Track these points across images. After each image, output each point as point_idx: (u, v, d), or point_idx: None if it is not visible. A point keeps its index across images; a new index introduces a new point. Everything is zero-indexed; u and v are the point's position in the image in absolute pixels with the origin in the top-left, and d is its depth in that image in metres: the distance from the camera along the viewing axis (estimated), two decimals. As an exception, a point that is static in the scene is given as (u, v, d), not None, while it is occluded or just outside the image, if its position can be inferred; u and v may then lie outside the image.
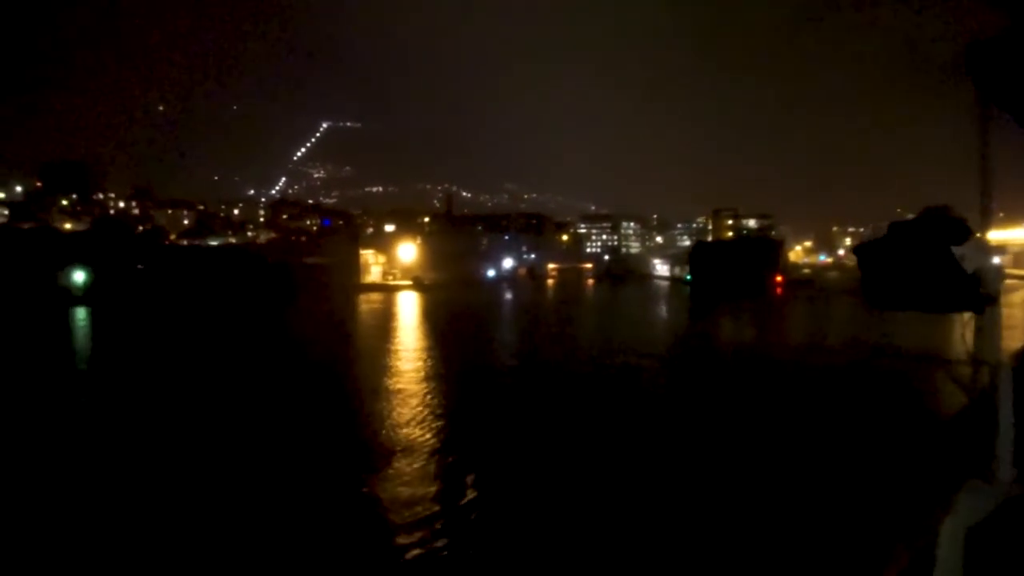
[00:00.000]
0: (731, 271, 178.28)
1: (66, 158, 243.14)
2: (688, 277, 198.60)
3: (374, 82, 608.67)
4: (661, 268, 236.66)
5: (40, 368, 77.05)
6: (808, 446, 37.44)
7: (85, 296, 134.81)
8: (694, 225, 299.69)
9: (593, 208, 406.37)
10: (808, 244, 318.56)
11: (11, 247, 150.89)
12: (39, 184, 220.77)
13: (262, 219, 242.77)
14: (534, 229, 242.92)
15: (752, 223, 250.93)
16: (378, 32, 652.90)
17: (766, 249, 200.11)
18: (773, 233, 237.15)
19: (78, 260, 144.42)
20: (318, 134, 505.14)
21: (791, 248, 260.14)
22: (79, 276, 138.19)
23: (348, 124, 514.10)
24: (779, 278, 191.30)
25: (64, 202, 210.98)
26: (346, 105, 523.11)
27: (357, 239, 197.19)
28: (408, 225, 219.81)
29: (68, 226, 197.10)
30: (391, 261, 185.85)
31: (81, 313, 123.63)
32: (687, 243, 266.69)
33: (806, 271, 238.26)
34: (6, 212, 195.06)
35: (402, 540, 28.85)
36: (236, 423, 48.31)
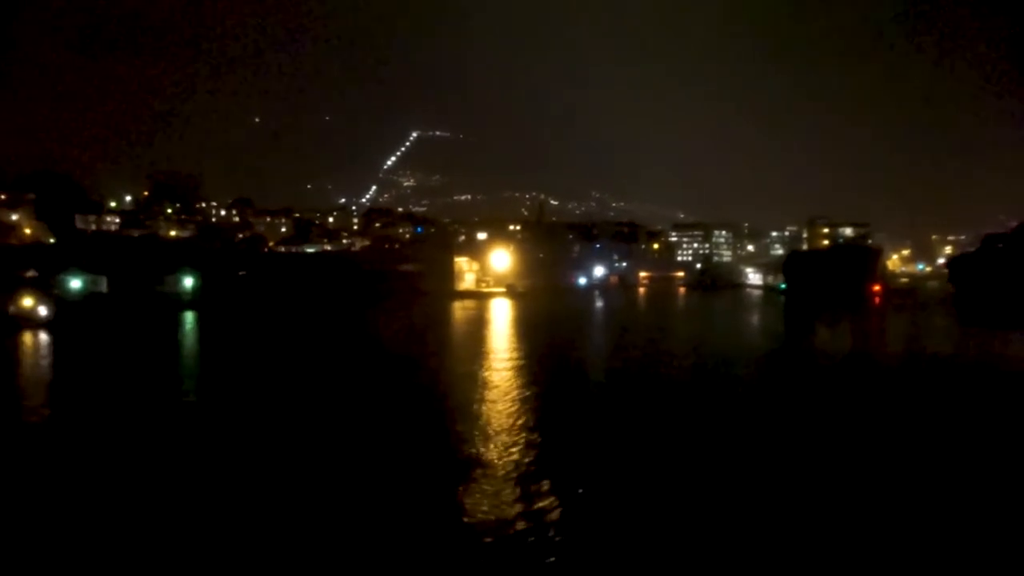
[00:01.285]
0: (827, 280, 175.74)
1: (171, 169, 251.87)
2: (782, 286, 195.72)
3: (462, 92, 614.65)
4: (754, 277, 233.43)
5: (164, 367, 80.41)
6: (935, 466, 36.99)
7: (193, 300, 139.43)
8: (786, 233, 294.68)
9: (682, 216, 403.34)
10: (906, 252, 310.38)
11: (122, 253, 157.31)
12: (146, 194, 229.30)
13: (356, 227, 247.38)
14: (625, 237, 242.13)
15: (848, 231, 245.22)
16: (466, 42, 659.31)
17: (863, 258, 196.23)
18: (870, 241, 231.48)
19: (184, 266, 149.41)
20: (408, 143, 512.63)
21: (888, 257, 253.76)
22: (188, 281, 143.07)
23: (437, 133, 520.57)
24: (877, 287, 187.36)
25: (169, 211, 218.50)
26: (435, 115, 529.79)
27: (451, 247, 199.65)
28: (499, 233, 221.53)
29: (173, 233, 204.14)
30: (484, 268, 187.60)
31: (190, 316, 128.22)
32: (779, 252, 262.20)
33: (904, 280, 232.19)
34: (117, 220, 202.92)
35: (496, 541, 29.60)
36: (340, 425, 49.84)
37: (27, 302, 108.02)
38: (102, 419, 50.56)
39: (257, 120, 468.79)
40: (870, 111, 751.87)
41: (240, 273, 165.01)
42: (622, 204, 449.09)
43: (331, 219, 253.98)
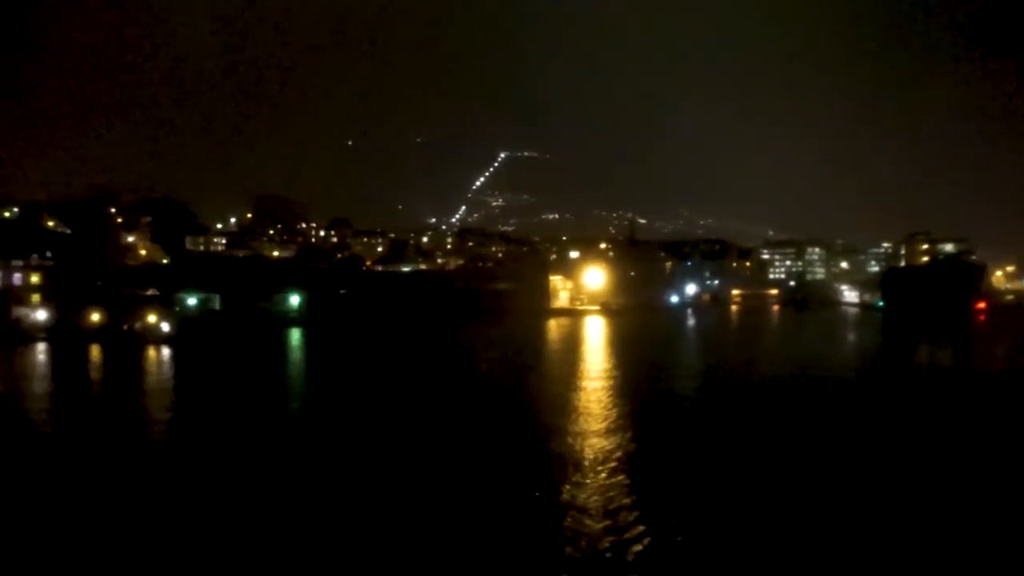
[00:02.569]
0: (928, 298, 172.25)
1: (272, 192, 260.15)
2: (880, 304, 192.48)
3: (549, 112, 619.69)
4: (849, 295, 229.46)
5: (280, 380, 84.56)
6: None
7: (299, 318, 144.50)
8: (882, 250, 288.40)
9: (772, 233, 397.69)
10: (1011, 268, 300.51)
11: (231, 273, 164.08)
12: (250, 216, 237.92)
13: (449, 246, 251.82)
14: (716, 255, 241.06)
15: (949, 247, 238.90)
16: (554, 62, 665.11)
17: (966, 274, 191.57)
18: (973, 257, 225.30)
19: (289, 285, 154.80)
20: (496, 164, 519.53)
21: (992, 273, 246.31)
22: (294, 299, 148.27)
23: (525, 154, 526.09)
24: (981, 305, 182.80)
25: (271, 232, 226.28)
26: (523, 135, 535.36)
27: (545, 265, 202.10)
28: (590, 252, 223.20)
29: (276, 254, 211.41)
30: (578, 287, 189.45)
31: (296, 333, 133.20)
32: (876, 269, 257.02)
33: (1010, 297, 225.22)
34: (224, 241, 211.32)
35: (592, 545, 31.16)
36: (446, 433, 52.14)
37: (150, 319, 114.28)
38: (228, 429, 54.05)
39: (350, 143, 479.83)
40: (970, 121, 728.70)
41: (340, 292, 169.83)
42: (710, 221, 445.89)
43: (425, 239, 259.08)
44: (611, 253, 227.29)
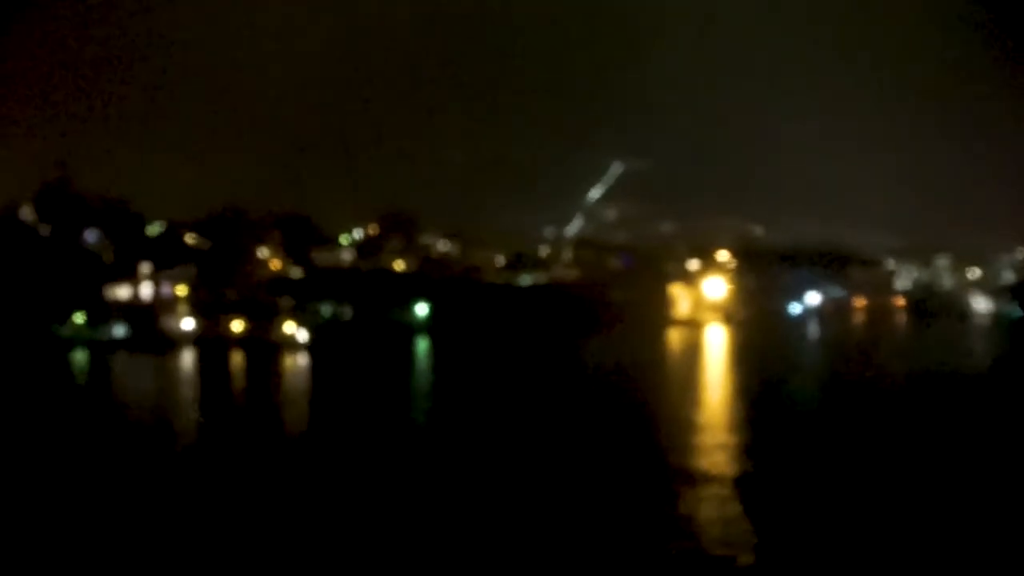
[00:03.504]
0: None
1: (394, 205, 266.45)
2: (1018, 314, 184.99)
3: (662, 122, 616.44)
4: (981, 304, 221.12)
5: (416, 389, 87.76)
6: None
7: (426, 328, 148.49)
8: (1018, 257, 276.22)
9: (894, 240, 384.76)
10: None
11: (358, 284, 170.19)
12: (372, 229, 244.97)
13: (566, 257, 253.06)
14: (838, 263, 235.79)
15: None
16: (667, 72, 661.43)
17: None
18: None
19: (414, 297, 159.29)
20: (610, 174, 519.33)
21: None
22: (421, 310, 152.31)
23: (639, 163, 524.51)
24: None
25: (394, 244, 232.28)
26: (637, 145, 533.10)
27: (663, 275, 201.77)
28: (708, 261, 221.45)
29: (399, 266, 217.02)
30: (698, 297, 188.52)
31: (424, 343, 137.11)
32: (1010, 276, 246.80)
33: None
34: (349, 254, 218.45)
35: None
36: (569, 441, 53.03)
37: (288, 328, 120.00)
38: (372, 434, 56.42)
39: (464, 155, 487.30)
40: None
41: (461, 303, 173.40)
42: (829, 229, 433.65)
43: (542, 250, 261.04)
44: (730, 263, 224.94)
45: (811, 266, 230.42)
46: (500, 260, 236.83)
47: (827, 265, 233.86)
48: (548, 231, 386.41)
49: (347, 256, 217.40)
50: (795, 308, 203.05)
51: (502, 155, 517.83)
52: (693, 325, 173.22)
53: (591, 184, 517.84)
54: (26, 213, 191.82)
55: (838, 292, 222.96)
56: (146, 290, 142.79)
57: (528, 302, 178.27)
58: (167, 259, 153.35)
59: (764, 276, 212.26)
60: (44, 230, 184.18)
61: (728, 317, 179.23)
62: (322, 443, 54.67)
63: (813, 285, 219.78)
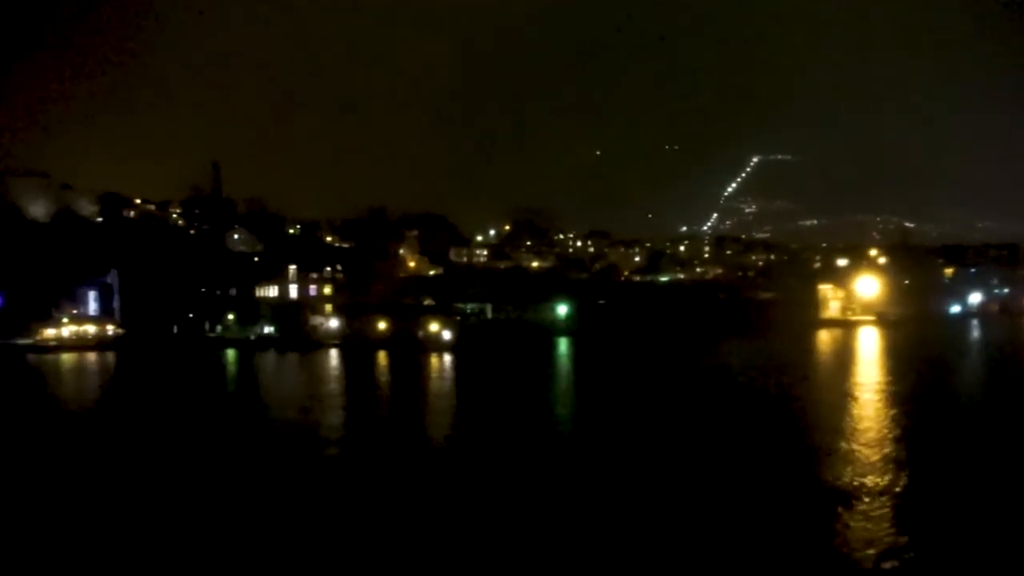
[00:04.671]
0: None
1: (527, 203, 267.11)
2: None
3: (803, 113, 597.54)
4: None
5: (563, 390, 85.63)
6: None
7: (566, 328, 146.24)
8: None
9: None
10: None
11: (495, 283, 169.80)
12: (508, 228, 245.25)
13: (706, 255, 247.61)
14: (1005, 260, 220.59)
15: None
16: (806, 62, 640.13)
17: None
18: None
19: (551, 295, 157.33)
20: (749, 169, 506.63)
21: None
22: (561, 309, 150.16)
23: (779, 157, 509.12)
24: None
25: (529, 243, 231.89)
26: (777, 138, 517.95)
27: (811, 274, 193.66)
28: (857, 259, 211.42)
29: (535, 264, 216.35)
30: (849, 296, 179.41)
31: (564, 343, 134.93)
32: None
33: None
34: (485, 253, 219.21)
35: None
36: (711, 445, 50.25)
37: (433, 327, 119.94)
38: (511, 439, 54.67)
39: (598, 153, 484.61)
40: None
41: (599, 302, 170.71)
42: (988, 223, 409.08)
43: (682, 248, 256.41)
44: (882, 260, 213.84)
45: (974, 263, 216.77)
46: (637, 258, 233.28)
47: (992, 261, 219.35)
48: (685, 228, 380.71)
49: (482, 255, 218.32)
50: (954, 307, 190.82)
51: (637, 152, 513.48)
52: (844, 326, 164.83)
53: (728, 180, 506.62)
54: (174, 214, 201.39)
55: (1006, 291, 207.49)
56: (293, 290, 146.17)
57: (669, 301, 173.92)
58: (311, 260, 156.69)
59: (920, 274, 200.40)
60: (193, 231, 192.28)
61: (881, 317, 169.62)
62: (468, 447, 53.38)
63: (976, 283, 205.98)
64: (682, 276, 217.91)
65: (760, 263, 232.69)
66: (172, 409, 72.19)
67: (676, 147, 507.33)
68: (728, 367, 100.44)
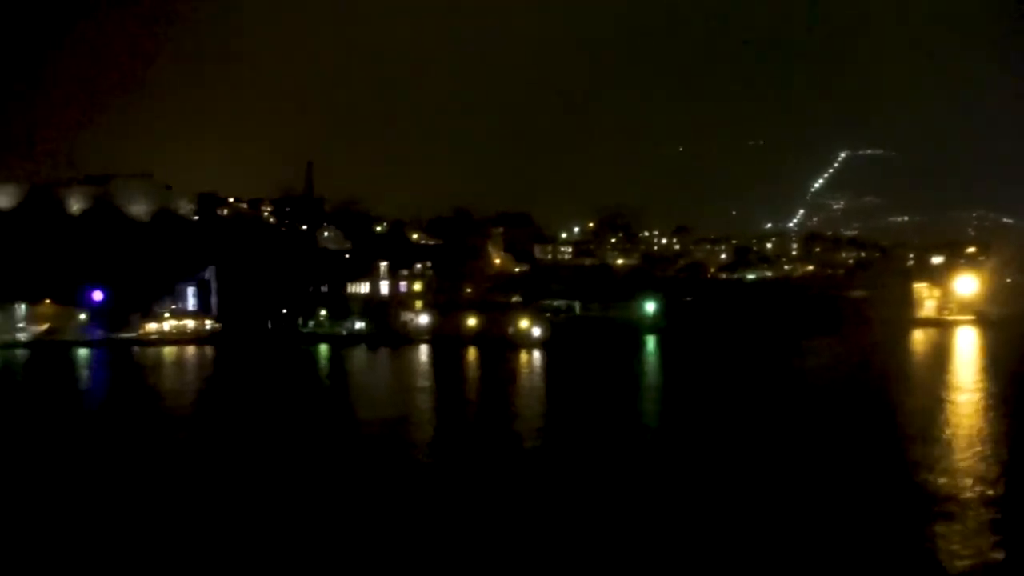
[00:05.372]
0: None
1: (611, 200, 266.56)
2: None
3: (892, 107, 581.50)
4: None
5: (656, 389, 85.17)
6: None
7: (654, 325, 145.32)
8: None
9: None
10: None
11: (582, 280, 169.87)
12: (592, 225, 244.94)
13: (794, 252, 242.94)
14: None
15: None
16: (895, 55, 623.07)
17: None
18: None
19: (637, 292, 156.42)
20: (836, 164, 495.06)
21: None
22: (650, 307, 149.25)
23: (868, 152, 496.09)
24: None
25: (613, 240, 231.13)
26: (866, 132, 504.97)
27: (905, 272, 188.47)
28: (954, 256, 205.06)
29: (620, 262, 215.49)
30: (945, 294, 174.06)
31: (653, 340, 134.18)
32: None
33: None
34: (569, 250, 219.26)
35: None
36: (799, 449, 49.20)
37: (523, 324, 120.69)
38: (603, 439, 54.45)
39: (681, 149, 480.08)
40: None
41: (686, 299, 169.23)
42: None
43: (768, 245, 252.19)
44: (980, 257, 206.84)
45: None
46: (723, 255, 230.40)
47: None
48: (770, 225, 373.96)
49: (567, 252, 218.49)
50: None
51: (721, 148, 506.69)
52: (940, 325, 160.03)
53: (815, 176, 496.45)
54: (265, 212, 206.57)
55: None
56: (384, 287, 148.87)
57: (757, 299, 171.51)
58: (400, 257, 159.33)
59: (1021, 271, 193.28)
60: (284, 229, 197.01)
61: (981, 317, 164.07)
62: (559, 447, 53.24)
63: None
64: (769, 273, 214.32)
65: (850, 261, 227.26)
66: (276, 403, 73.97)
67: (761, 142, 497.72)
68: (821, 367, 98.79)
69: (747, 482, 42.07)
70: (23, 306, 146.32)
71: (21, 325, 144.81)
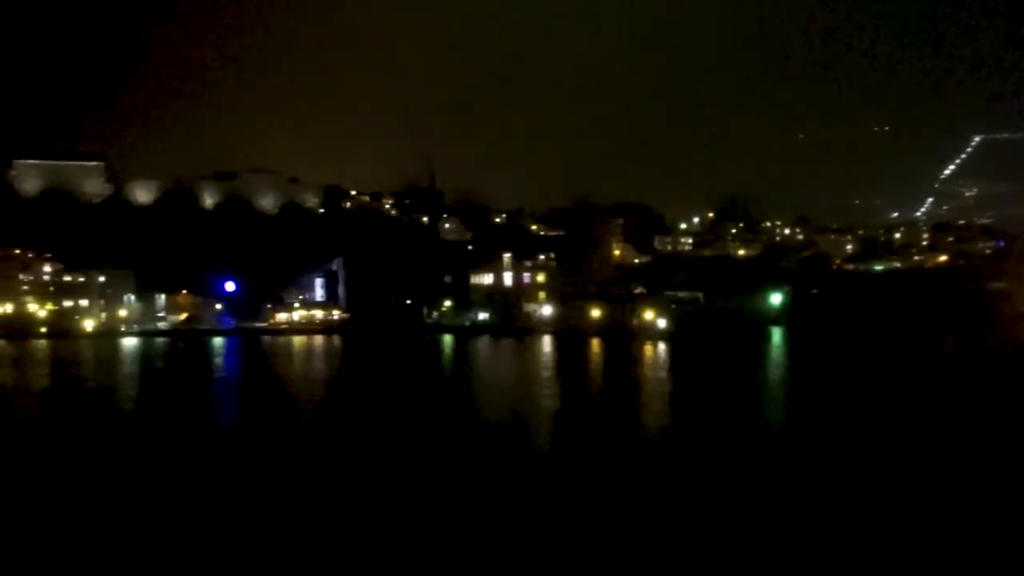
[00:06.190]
0: None
1: (729, 190, 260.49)
2: None
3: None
4: None
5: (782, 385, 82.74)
6: None
7: (780, 317, 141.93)
8: None
9: None
10: None
11: (704, 272, 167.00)
12: (711, 216, 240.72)
13: (924, 242, 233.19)
14: None
15: None
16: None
17: None
18: None
19: (761, 284, 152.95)
20: (969, 149, 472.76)
21: None
22: (776, 298, 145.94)
23: (1005, 136, 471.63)
24: None
25: (733, 231, 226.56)
26: (1003, 115, 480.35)
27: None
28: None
29: (741, 253, 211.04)
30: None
31: (779, 333, 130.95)
32: None
33: None
34: (689, 241, 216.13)
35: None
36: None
37: (649, 315, 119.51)
38: (728, 435, 52.67)
39: (801, 136, 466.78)
40: None
41: (812, 291, 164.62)
42: None
43: (897, 235, 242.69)
44: None
45: None
46: (849, 246, 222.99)
47: None
48: (896, 214, 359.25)
49: (687, 243, 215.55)
50: None
51: (844, 134, 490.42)
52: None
53: (946, 162, 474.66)
54: (387, 204, 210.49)
55: None
56: (508, 278, 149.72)
57: (887, 290, 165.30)
58: (521, 248, 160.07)
59: None
60: (406, 221, 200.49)
61: None
62: (684, 441, 51.84)
63: None
64: (898, 264, 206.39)
65: (987, 251, 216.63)
66: (407, 392, 74.60)
67: (886, 128, 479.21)
68: (963, 362, 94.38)
69: (897, 481, 40.15)
70: (162, 296, 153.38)
71: (161, 314, 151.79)
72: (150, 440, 51.60)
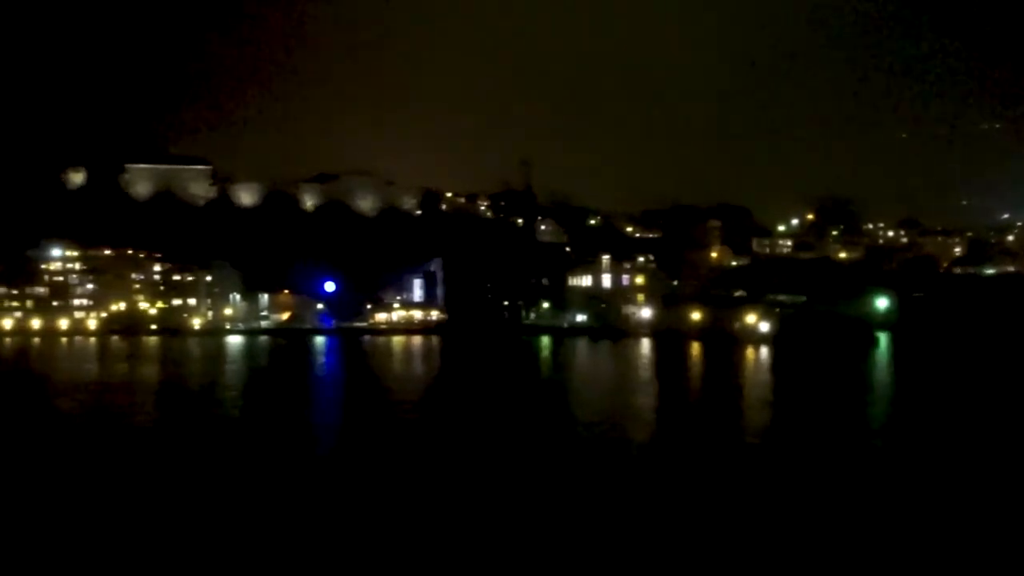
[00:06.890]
0: None
1: (828, 191, 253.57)
2: None
3: None
4: None
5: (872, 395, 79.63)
6: None
7: (886, 322, 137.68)
8: None
9: None
10: None
11: (804, 275, 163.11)
12: (811, 217, 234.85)
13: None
14: None
15: None
16: None
17: None
18: None
19: (864, 287, 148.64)
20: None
21: None
22: (881, 302, 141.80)
23: None
24: None
25: (835, 233, 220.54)
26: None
27: None
28: None
29: (843, 255, 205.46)
30: None
31: (884, 337, 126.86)
32: None
33: None
34: (788, 243, 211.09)
35: None
36: None
37: (750, 319, 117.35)
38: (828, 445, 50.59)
39: (904, 136, 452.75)
40: None
41: (916, 295, 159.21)
42: None
43: (1010, 237, 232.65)
44: None
45: None
46: (957, 249, 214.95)
47: None
48: (1007, 216, 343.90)
49: (786, 245, 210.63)
50: None
51: (950, 133, 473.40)
52: None
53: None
54: (482, 206, 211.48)
55: None
56: (606, 279, 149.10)
57: (1001, 295, 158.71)
58: (618, 250, 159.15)
59: None
60: (503, 223, 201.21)
61: None
62: (782, 449, 50.12)
63: None
64: (1012, 268, 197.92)
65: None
66: (507, 394, 74.41)
67: (997, 126, 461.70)
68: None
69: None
70: (265, 296, 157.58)
71: (264, 313, 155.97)
72: (263, 437, 52.69)
